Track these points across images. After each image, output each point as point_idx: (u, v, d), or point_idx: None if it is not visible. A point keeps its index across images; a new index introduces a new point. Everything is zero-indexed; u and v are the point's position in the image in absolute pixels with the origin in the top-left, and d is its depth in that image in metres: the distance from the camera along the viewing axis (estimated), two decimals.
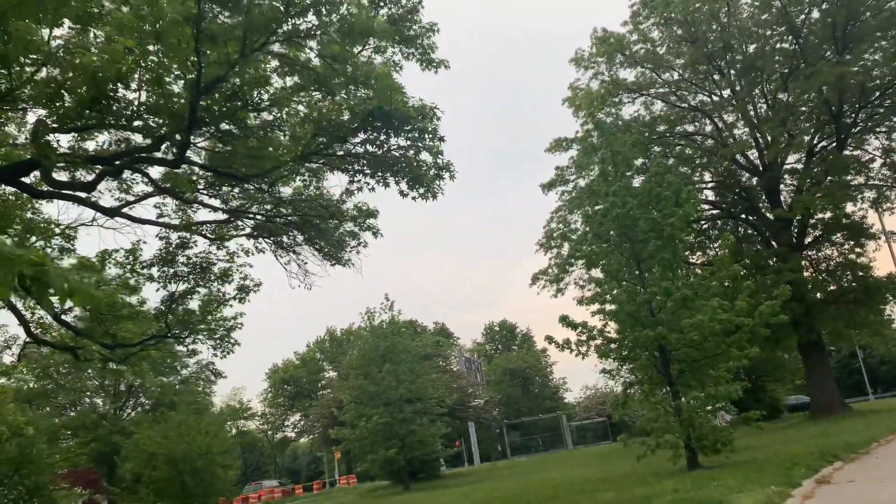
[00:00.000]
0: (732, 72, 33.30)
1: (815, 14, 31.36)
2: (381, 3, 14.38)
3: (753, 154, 34.28)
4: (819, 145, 33.56)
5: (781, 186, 34.62)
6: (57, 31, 12.60)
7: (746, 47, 32.97)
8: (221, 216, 20.54)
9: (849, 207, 32.57)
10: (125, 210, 18.21)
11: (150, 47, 12.22)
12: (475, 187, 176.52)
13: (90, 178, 15.76)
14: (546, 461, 36.93)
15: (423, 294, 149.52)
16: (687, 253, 21.08)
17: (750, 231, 36.46)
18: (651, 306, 16.31)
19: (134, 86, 13.69)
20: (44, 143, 12.77)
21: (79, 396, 54.36)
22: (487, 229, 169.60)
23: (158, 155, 15.69)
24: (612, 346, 17.04)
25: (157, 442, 31.75)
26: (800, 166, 34.40)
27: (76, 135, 15.92)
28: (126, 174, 17.86)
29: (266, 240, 21.18)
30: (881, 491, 9.90)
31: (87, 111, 13.31)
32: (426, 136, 16.73)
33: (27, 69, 12.44)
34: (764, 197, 34.48)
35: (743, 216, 35.97)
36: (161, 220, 19.51)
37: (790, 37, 31.84)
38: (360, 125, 16.46)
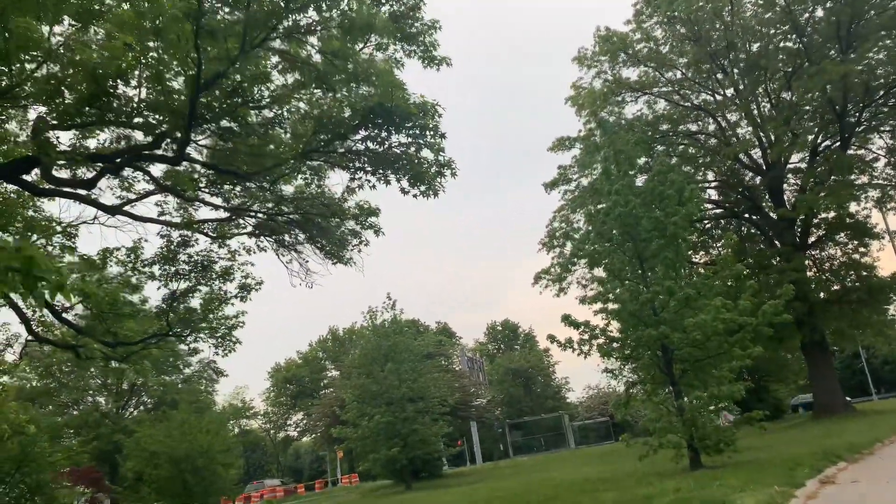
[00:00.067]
0: (736, 71, 33.20)
1: (819, 12, 31.25)
2: (383, 0, 14.31)
3: (757, 153, 34.18)
4: (823, 144, 33.44)
5: (785, 186, 34.52)
6: (57, 28, 12.57)
7: (750, 46, 32.86)
8: (223, 214, 20.50)
9: (852, 207, 32.45)
10: (126, 208, 18.15)
11: (150, 44, 12.18)
12: (475, 187, 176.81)
13: (91, 175, 15.71)
14: (548, 461, 36.85)
15: (424, 294, 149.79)
16: (690, 252, 20.97)
17: (753, 230, 36.35)
18: (654, 305, 16.23)
19: (134, 82, 13.65)
20: (44, 139, 12.73)
21: (81, 395, 54.41)
22: (487, 229, 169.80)
23: (159, 152, 15.62)
24: (615, 345, 16.95)
25: (158, 441, 31.72)
26: (803, 165, 34.30)
27: (77, 133, 15.89)
28: (127, 172, 17.82)
29: (268, 238, 21.12)
30: (885, 491, 9.84)
31: (87, 108, 13.27)
32: (427, 133, 16.64)
33: (27, 66, 12.40)
34: (767, 196, 34.37)
35: (746, 215, 35.87)
36: (162, 218, 19.47)
37: (794, 35, 31.73)
38: (361, 122, 16.38)
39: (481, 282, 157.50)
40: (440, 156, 17.22)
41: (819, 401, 32.56)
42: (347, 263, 21.07)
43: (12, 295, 14.92)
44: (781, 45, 32.44)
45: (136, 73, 13.33)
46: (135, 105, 14.04)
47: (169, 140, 15.12)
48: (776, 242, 33.27)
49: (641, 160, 22.64)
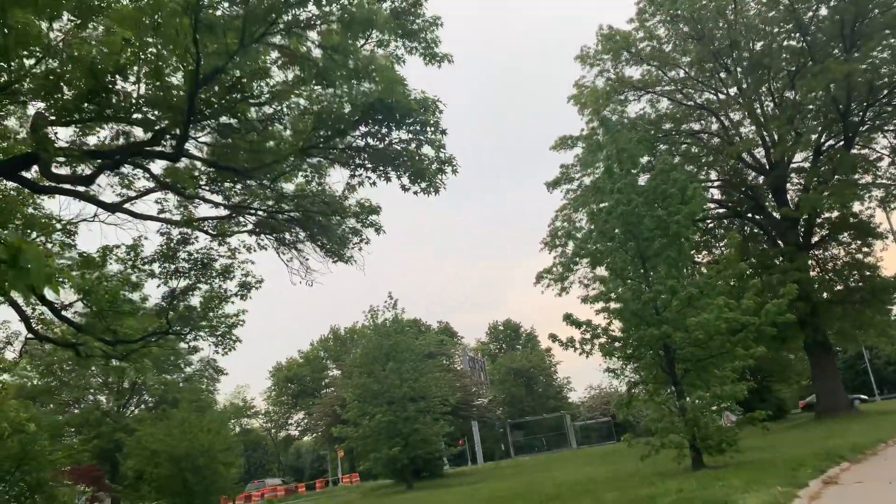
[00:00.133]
0: (739, 69, 33.10)
1: (823, 11, 31.15)
2: None
3: (760, 152, 34.09)
4: (826, 144, 33.32)
5: (788, 185, 34.44)
6: (56, 24, 12.49)
7: (753, 45, 32.76)
8: (223, 212, 20.42)
9: (856, 206, 32.38)
10: (127, 206, 18.09)
11: (149, 39, 12.09)
12: (475, 187, 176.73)
13: (89, 172, 15.64)
14: (550, 461, 36.78)
15: (424, 294, 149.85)
16: (692, 252, 20.85)
17: (756, 230, 36.25)
18: (656, 305, 16.14)
19: (132, 78, 13.57)
20: (42, 135, 12.66)
21: (82, 393, 54.38)
22: (487, 229, 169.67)
23: (157, 148, 15.54)
24: (617, 344, 16.86)
25: (159, 439, 31.67)
26: (807, 165, 34.20)
27: (77, 130, 15.83)
28: (127, 170, 17.77)
29: (268, 236, 21.05)
30: (889, 492, 9.75)
31: (86, 104, 13.20)
32: (428, 129, 16.54)
33: (26, 62, 12.32)
34: (770, 196, 34.28)
35: (749, 215, 35.78)
36: (162, 215, 19.40)
37: (798, 34, 31.63)
38: (362, 118, 16.28)
39: (481, 282, 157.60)
40: (441, 152, 17.14)
41: (822, 401, 32.45)
42: (348, 262, 21.00)
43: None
44: (785, 43, 32.33)
45: (135, 68, 13.25)
46: (133, 101, 13.96)
47: (168, 136, 15.04)
48: (779, 242, 33.17)
49: (644, 159, 22.51)
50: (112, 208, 17.61)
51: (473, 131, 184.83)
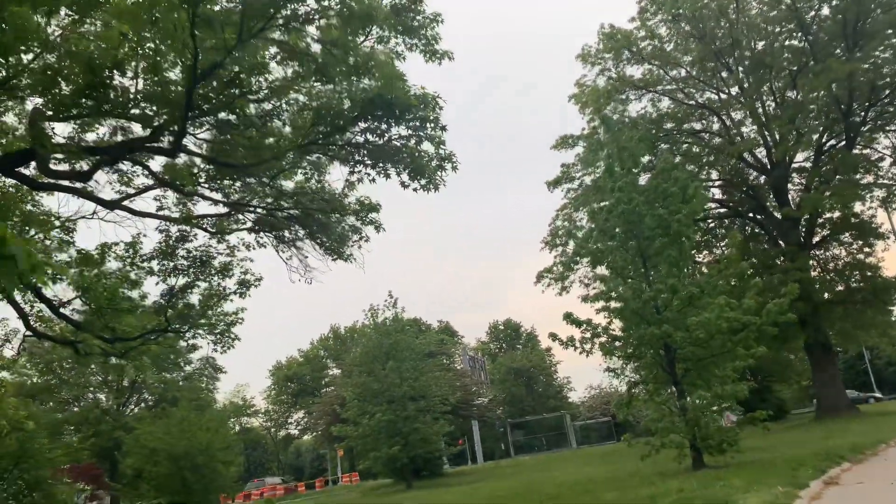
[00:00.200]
0: (741, 69, 33.04)
1: (825, 10, 31.11)
2: None
3: (761, 152, 34.04)
4: (828, 144, 33.28)
5: (789, 185, 34.39)
6: (54, 20, 12.42)
7: (755, 44, 32.72)
8: (222, 209, 20.34)
9: (857, 207, 32.33)
10: (125, 203, 18.03)
11: (146, 33, 12.02)
12: (475, 186, 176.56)
13: (87, 168, 15.58)
14: (550, 460, 36.72)
15: (424, 294, 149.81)
16: (693, 252, 20.80)
17: (757, 230, 36.20)
18: (657, 304, 16.08)
19: (130, 73, 13.50)
20: (40, 130, 12.59)
21: (82, 392, 54.42)
22: (487, 229, 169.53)
23: (155, 144, 15.47)
24: (617, 343, 16.79)
25: (158, 437, 31.66)
26: (808, 165, 34.14)
27: (76, 126, 15.77)
28: (126, 167, 17.71)
29: (267, 234, 20.97)
30: (890, 493, 9.69)
31: (84, 99, 13.13)
32: (428, 125, 16.45)
33: (24, 57, 12.26)
34: (771, 195, 34.24)
35: (750, 215, 35.73)
36: (161, 213, 19.33)
37: (799, 33, 31.58)
38: (361, 113, 16.18)
39: (481, 282, 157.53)
40: (440, 149, 17.05)
41: (822, 401, 32.39)
42: (347, 259, 20.92)
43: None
44: (787, 43, 32.30)
45: (133, 63, 13.18)
46: (131, 96, 13.89)
47: (167, 133, 14.97)
48: (780, 242, 33.13)
49: (645, 158, 22.46)
50: (111, 205, 17.55)
51: (473, 131, 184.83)
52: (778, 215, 32.98)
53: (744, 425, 16.74)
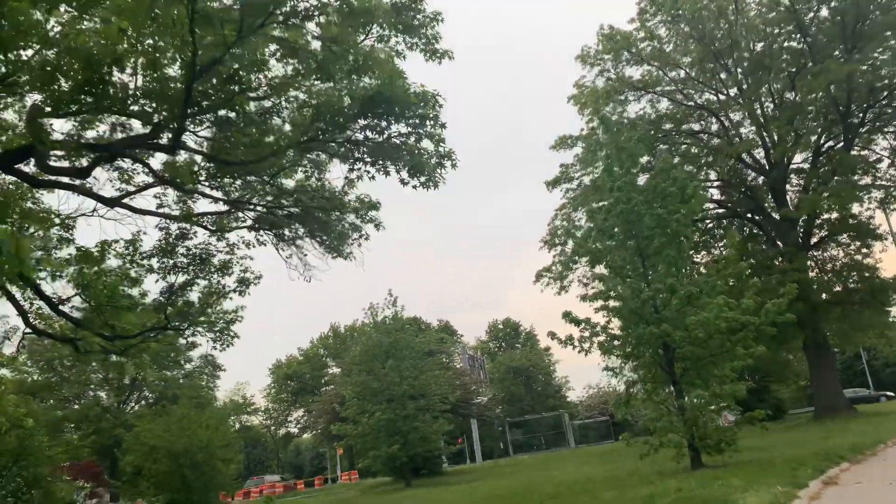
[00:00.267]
0: (739, 70, 33.07)
1: (824, 12, 31.12)
2: None
3: (760, 153, 34.06)
4: (826, 145, 33.33)
5: (788, 186, 34.43)
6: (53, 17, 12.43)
7: (754, 45, 32.74)
8: (222, 207, 20.37)
9: (855, 208, 32.40)
10: (125, 200, 18.04)
11: (146, 29, 12.01)
12: (475, 186, 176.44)
13: (86, 164, 15.59)
14: (548, 459, 36.74)
15: (424, 294, 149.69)
16: (691, 252, 20.83)
17: (755, 231, 36.24)
18: (655, 303, 16.12)
19: (129, 69, 13.50)
20: (38, 126, 12.59)
21: (82, 389, 54.46)
22: (487, 228, 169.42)
23: (155, 141, 15.47)
24: (616, 342, 16.82)
25: (157, 435, 31.57)
26: (806, 166, 34.20)
27: (76, 123, 15.78)
28: (126, 164, 17.72)
29: (267, 232, 20.99)
30: (889, 493, 9.72)
31: (83, 95, 13.12)
32: (427, 122, 16.45)
33: (24, 53, 12.25)
34: (770, 196, 34.27)
35: (748, 215, 35.77)
36: (161, 210, 19.34)
37: (798, 35, 31.61)
38: (361, 111, 16.18)
39: (481, 282, 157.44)
40: (440, 146, 17.04)
41: (820, 401, 32.42)
42: (347, 258, 20.96)
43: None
44: (785, 44, 32.32)
45: (132, 59, 13.18)
46: (131, 92, 13.89)
47: (166, 130, 14.97)
48: (778, 243, 33.16)
49: (644, 158, 22.49)
50: (111, 203, 17.56)
51: (474, 131, 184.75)
52: (776, 216, 33.03)
53: (742, 425, 16.78)
